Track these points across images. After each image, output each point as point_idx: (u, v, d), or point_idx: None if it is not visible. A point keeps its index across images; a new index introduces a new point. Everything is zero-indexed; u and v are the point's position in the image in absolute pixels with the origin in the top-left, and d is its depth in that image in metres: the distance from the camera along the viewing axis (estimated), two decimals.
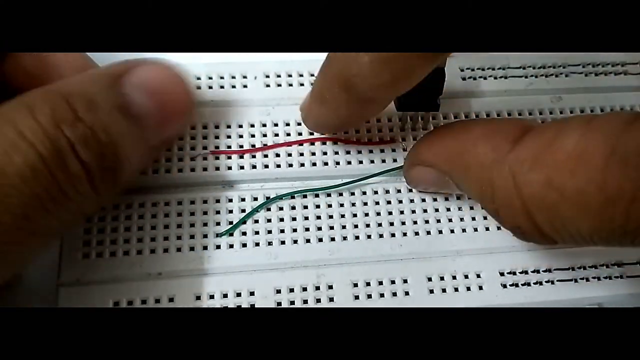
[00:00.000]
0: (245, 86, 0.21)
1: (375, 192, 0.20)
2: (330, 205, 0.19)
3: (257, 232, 0.19)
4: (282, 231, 0.19)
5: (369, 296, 0.18)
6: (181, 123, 0.18)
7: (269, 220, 0.19)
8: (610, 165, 0.12)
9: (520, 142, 0.15)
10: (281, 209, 0.19)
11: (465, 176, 0.16)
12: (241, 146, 0.20)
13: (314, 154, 0.20)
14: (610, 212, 0.13)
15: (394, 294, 0.18)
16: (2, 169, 0.13)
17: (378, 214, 0.19)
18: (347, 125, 0.20)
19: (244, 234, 0.19)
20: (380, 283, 0.18)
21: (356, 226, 0.19)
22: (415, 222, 0.19)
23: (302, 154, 0.20)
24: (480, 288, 0.19)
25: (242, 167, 0.19)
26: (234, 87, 0.21)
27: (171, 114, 0.17)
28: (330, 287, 0.18)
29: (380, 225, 0.19)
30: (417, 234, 0.19)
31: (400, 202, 0.20)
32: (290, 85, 0.21)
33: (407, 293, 0.18)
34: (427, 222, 0.19)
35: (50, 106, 0.14)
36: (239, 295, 0.18)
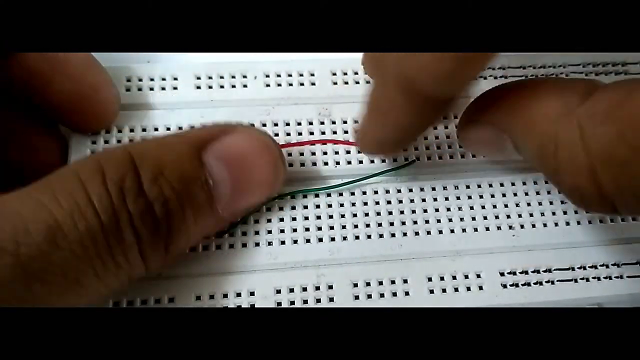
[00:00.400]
0: (245, 86, 0.21)
1: (375, 192, 0.20)
2: (330, 205, 0.19)
3: (257, 232, 0.19)
4: (282, 231, 0.19)
5: (369, 296, 0.18)
6: (259, 197, 0.18)
7: (269, 220, 0.19)
8: None
9: (591, 97, 0.14)
10: (281, 209, 0.19)
11: (527, 132, 0.15)
12: None
13: (314, 154, 0.20)
14: None
15: (394, 294, 0.18)
16: (65, 234, 0.13)
17: (378, 214, 0.19)
18: (409, 138, 0.19)
19: (244, 234, 0.19)
20: (380, 283, 0.18)
21: (356, 226, 0.19)
22: (415, 222, 0.19)
23: (302, 154, 0.20)
24: (480, 288, 0.19)
25: None
26: (234, 87, 0.21)
27: (247, 188, 0.17)
28: (330, 287, 0.18)
29: (380, 225, 0.19)
30: (417, 234, 0.19)
31: (400, 202, 0.20)
32: (290, 85, 0.21)
33: (407, 293, 0.18)
34: (427, 222, 0.19)
35: (119, 174, 0.14)
36: (239, 295, 0.18)
